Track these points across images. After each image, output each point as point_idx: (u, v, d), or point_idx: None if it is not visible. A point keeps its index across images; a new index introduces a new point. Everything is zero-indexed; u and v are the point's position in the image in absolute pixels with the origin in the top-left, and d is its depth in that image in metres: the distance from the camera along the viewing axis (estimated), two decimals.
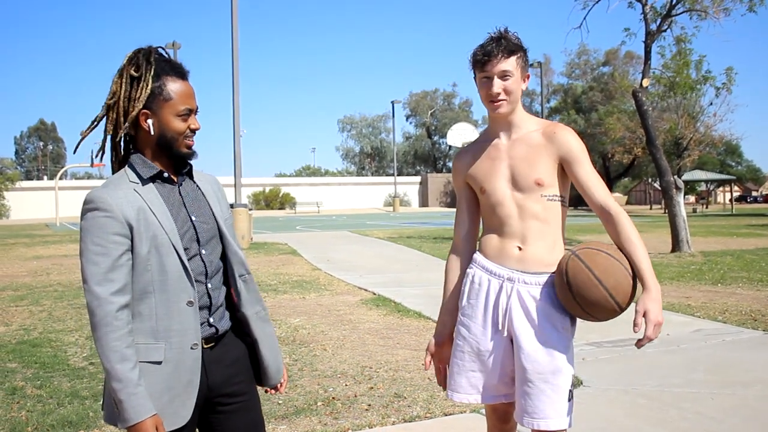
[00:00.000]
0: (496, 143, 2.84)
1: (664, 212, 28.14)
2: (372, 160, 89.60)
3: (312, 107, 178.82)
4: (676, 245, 16.91)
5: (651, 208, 66.46)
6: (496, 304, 2.77)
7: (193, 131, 2.30)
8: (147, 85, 2.22)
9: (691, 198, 72.55)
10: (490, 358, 2.80)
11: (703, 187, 70.64)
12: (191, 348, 2.22)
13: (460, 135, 32.08)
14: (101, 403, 2.40)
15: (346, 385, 5.69)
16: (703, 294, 10.41)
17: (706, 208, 64.97)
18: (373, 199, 70.42)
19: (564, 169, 2.76)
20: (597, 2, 18.26)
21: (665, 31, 17.86)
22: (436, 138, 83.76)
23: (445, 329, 3.01)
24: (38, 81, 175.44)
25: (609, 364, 6.18)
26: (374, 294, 10.72)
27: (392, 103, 68.03)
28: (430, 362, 3.02)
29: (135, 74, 2.23)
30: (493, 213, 2.81)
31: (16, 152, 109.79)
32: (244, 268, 2.41)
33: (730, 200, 60.38)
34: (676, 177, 17.80)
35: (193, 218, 2.31)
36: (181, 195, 2.33)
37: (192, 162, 2.41)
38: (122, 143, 2.34)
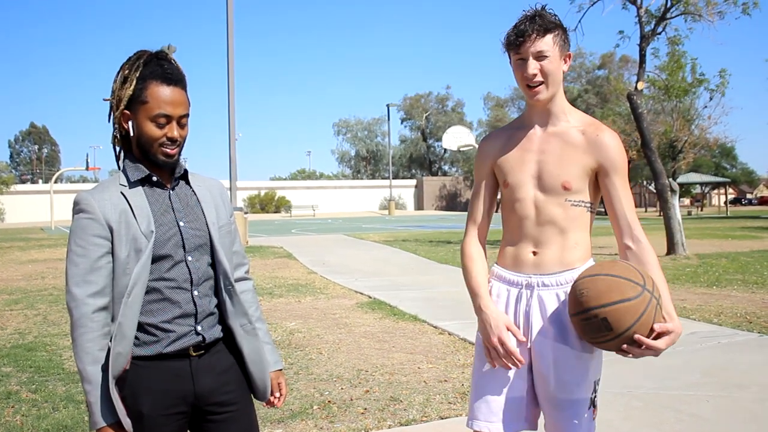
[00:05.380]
0: (530, 133, 2.60)
1: (660, 215, 28.16)
2: (367, 163, 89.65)
3: (307, 111, 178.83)
4: (671, 248, 16.94)
5: (646, 211, 66.60)
6: (515, 314, 2.57)
7: (172, 140, 2.24)
8: (130, 86, 2.21)
9: (686, 200, 72.74)
10: (512, 374, 2.56)
11: (698, 189, 70.82)
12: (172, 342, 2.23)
13: (456, 138, 32.15)
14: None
15: (342, 388, 5.69)
16: (698, 296, 10.42)
17: (701, 210, 65.19)
18: (368, 203, 70.46)
19: (597, 177, 2.55)
20: (592, 5, 18.29)
21: (660, 33, 17.92)
22: (431, 141, 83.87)
23: (493, 310, 2.56)
24: (29, 83, 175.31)
25: (604, 366, 6.14)
26: (370, 297, 10.72)
27: (387, 106, 68.21)
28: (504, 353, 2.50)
29: (126, 75, 2.23)
30: (513, 210, 2.60)
31: (11, 156, 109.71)
32: (229, 282, 2.34)
33: (725, 203, 60.54)
34: (671, 180, 17.85)
35: (181, 224, 2.27)
36: (170, 200, 2.30)
37: (186, 166, 2.38)
38: (119, 141, 2.33)
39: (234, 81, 22.20)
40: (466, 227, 2.76)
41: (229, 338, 2.38)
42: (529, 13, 2.50)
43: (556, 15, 2.53)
